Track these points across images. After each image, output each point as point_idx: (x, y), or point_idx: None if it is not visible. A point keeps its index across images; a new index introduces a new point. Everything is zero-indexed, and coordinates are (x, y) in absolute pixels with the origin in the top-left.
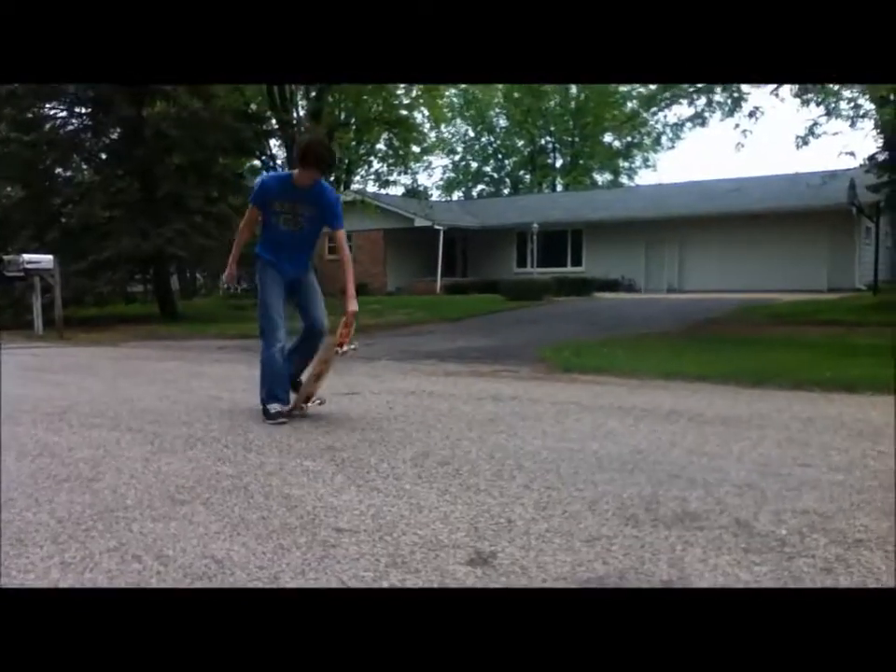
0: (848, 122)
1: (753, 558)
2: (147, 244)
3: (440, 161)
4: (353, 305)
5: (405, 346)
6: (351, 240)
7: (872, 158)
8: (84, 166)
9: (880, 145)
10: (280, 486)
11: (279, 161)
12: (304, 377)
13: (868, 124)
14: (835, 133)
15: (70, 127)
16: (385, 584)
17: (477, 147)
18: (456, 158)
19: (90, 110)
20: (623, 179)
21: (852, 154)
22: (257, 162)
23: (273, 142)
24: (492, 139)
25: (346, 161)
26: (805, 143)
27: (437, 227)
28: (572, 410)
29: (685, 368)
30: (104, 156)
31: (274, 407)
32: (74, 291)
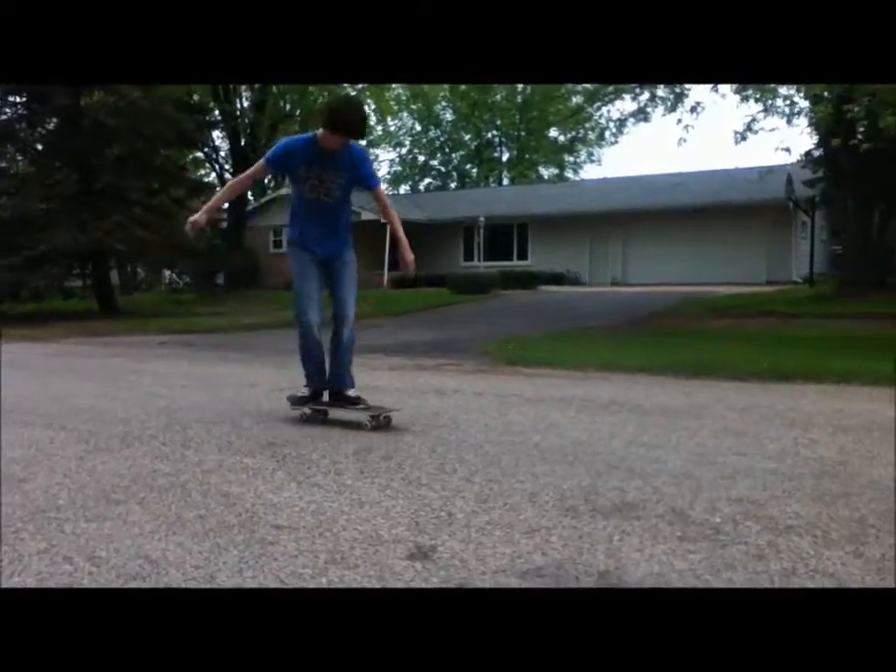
0: (785, 119)
1: (688, 546)
2: (85, 237)
3: (387, 155)
4: (410, 255)
5: None
6: None
7: (808, 154)
8: (19, 157)
9: (815, 141)
10: (218, 484)
11: (223, 153)
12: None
13: (803, 121)
14: (772, 130)
15: (3, 117)
16: (323, 581)
17: (424, 140)
18: (403, 151)
19: (24, 99)
20: (569, 173)
21: (788, 150)
22: (199, 154)
23: (217, 133)
24: (439, 133)
25: None
26: (744, 138)
27: (383, 220)
28: (515, 402)
29: (627, 360)
30: (40, 147)
31: (303, 390)
32: (9, 287)
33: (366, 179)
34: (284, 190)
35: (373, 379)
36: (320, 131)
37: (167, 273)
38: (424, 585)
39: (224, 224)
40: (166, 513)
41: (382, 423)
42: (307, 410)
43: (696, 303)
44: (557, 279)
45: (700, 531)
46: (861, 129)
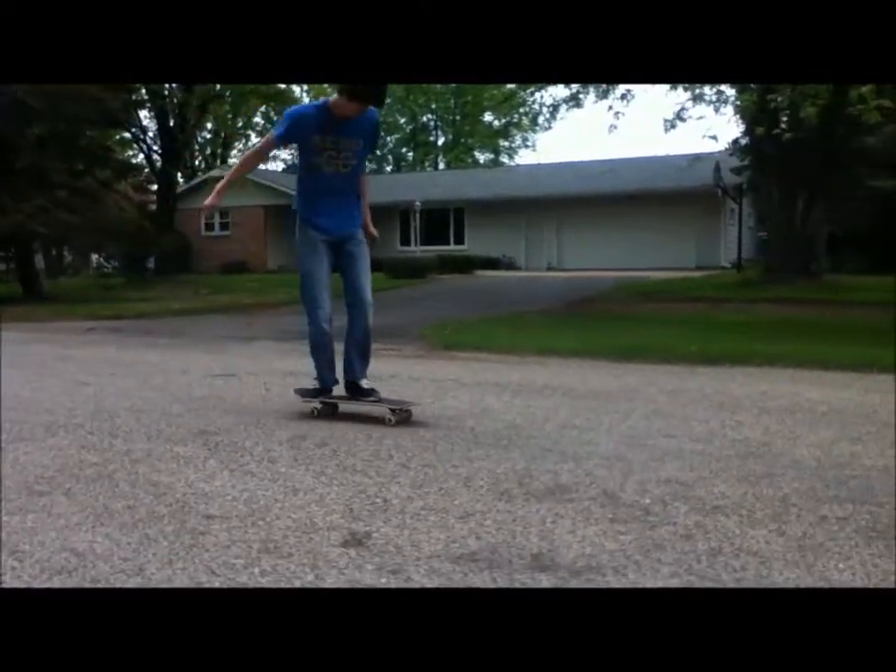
0: (712, 107)
1: (619, 528)
2: (6, 220)
3: None
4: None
5: (286, 326)
6: (229, 216)
7: (735, 142)
8: None
9: (742, 130)
10: (148, 473)
11: (151, 134)
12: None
13: (730, 110)
14: (700, 118)
15: None
16: (256, 571)
17: None
18: None
19: None
20: (504, 158)
21: (714, 138)
22: (126, 135)
23: (144, 113)
24: None
25: (222, 134)
26: (674, 126)
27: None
28: (451, 387)
29: (561, 344)
30: None
31: (312, 383)
32: None
33: (370, 146)
34: (215, 172)
35: (309, 365)
36: (333, 97)
37: (95, 256)
38: (357, 573)
39: (153, 206)
40: (93, 504)
41: (403, 417)
42: (318, 404)
43: (629, 288)
44: (493, 264)
45: (630, 512)
46: (785, 118)
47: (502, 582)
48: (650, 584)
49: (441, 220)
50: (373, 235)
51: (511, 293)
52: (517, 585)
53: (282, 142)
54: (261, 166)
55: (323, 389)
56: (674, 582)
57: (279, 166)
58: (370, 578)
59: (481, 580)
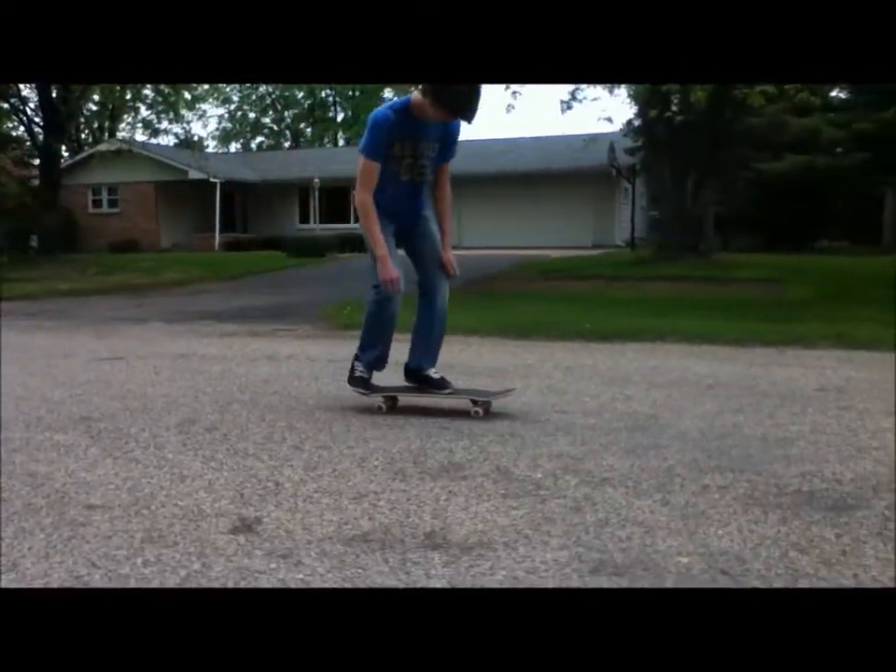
0: (607, 89)
1: (511, 503)
2: None
3: (215, 111)
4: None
5: (179, 307)
6: (118, 192)
7: (629, 123)
8: None
9: (635, 112)
10: (25, 463)
11: (31, 105)
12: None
13: (624, 92)
14: (595, 99)
15: None
16: (139, 561)
17: (254, 96)
18: (232, 107)
19: None
20: None
21: (609, 120)
22: (5, 105)
23: (24, 84)
24: (270, 89)
25: (110, 106)
26: (569, 107)
27: (213, 180)
28: (348, 367)
29: (460, 322)
30: None
31: (360, 368)
32: None
33: (447, 150)
34: (103, 146)
35: (202, 347)
36: (415, 95)
37: None
38: (246, 559)
39: (35, 181)
40: None
41: (486, 407)
42: (380, 398)
43: (528, 267)
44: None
45: (522, 487)
46: (675, 101)
47: (394, 563)
48: (538, 557)
49: (342, 198)
50: (451, 272)
51: (411, 272)
52: (409, 565)
53: (377, 156)
54: (153, 140)
55: (367, 374)
56: (563, 555)
57: (171, 140)
58: (258, 564)
59: (373, 560)
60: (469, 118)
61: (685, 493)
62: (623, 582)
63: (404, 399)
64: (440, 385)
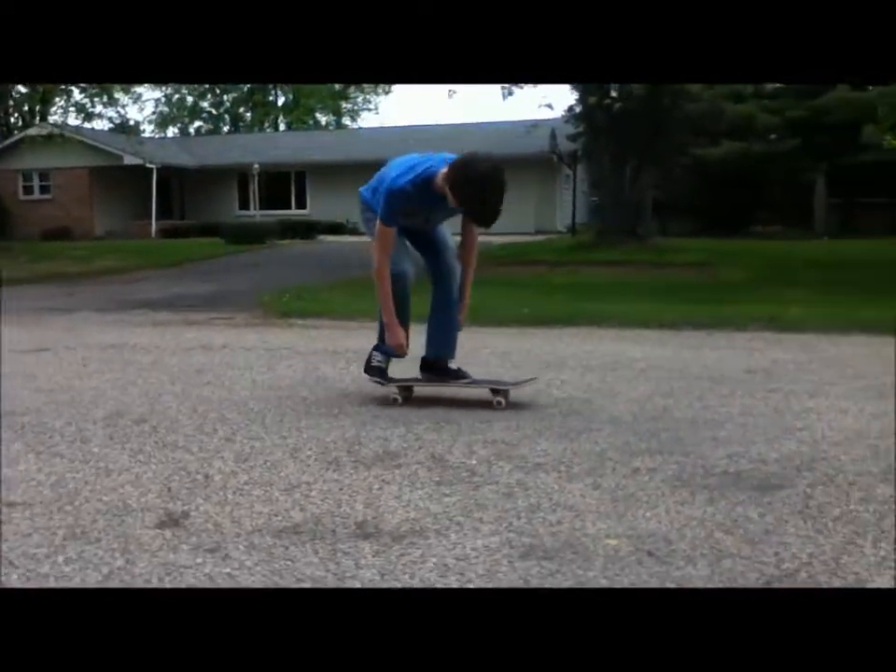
0: None
1: (444, 490)
2: None
3: (151, 94)
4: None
5: (112, 296)
6: (50, 178)
7: (570, 109)
8: None
9: (576, 98)
10: None
11: None
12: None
13: None
14: (535, 85)
15: None
16: (59, 559)
17: None
18: (169, 91)
19: None
20: (347, 121)
21: (550, 106)
22: None
23: None
24: None
25: (40, 89)
26: (511, 93)
27: (149, 165)
28: (285, 356)
29: None
30: None
31: (377, 358)
32: None
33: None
34: (33, 130)
35: (134, 337)
36: (439, 179)
37: None
38: (172, 554)
39: None
40: None
41: (506, 396)
42: (395, 388)
43: None
44: (338, 229)
45: (456, 474)
46: (615, 89)
47: (324, 554)
48: (469, 544)
49: (282, 184)
50: (461, 324)
51: (354, 259)
52: (339, 555)
53: (394, 223)
54: (87, 124)
55: (385, 364)
56: (493, 540)
57: (105, 125)
58: (184, 559)
59: (302, 552)
60: (487, 225)
61: (616, 476)
62: (552, 566)
63: (419, 391)
64: (458, 376)
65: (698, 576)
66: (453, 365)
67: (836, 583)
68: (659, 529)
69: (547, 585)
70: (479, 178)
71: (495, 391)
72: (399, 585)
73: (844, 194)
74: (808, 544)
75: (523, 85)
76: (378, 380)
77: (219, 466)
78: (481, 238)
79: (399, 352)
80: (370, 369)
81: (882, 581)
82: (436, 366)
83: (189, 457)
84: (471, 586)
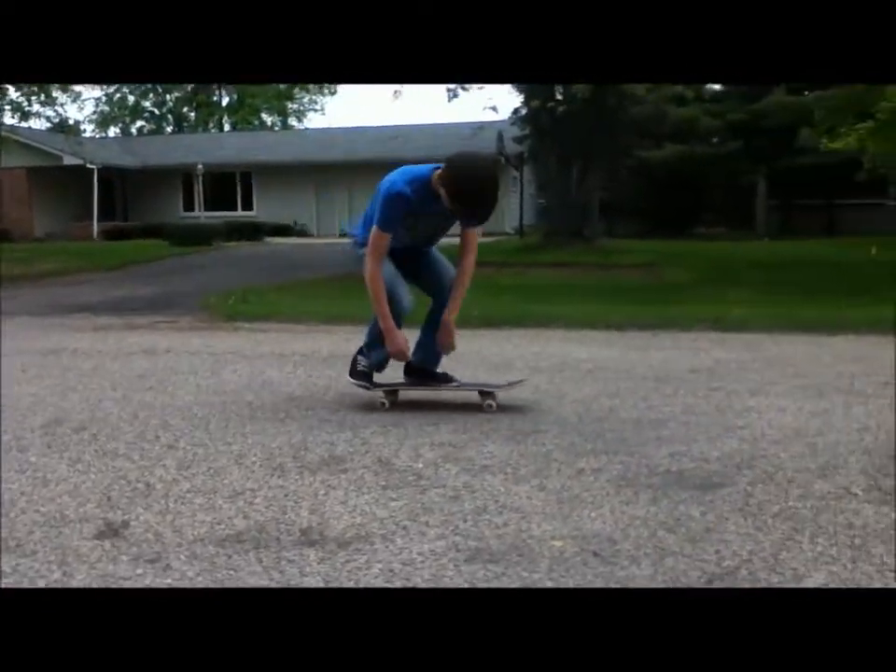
0: None
1: (391, 494)
2: None
3: (91, 93)
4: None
5: (53, 299)
6: None
7: (515, 112)
8: None
9: (522, 101)
10: None
11: None
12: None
13: None
14: (481, 87)
15: None
16: None
17: None
18: (111, 90)
19: None
20: (293, 121)
21: (495, 109)
22: None
23: None
24: None
25: None
26: (456, 95)
27: (90, 165)
28: (231, 360)
29: (350, 312)
30: None
31: (363, 363)
32: None
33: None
34: None
35: (74, 341)
36: (435, 178)
37: None
38: (111, 566)
39: None
40: None
41: (493, 398)
42: (381, 393)
43: None
44: (284, 230)
45: (403, 478)
46: (559, 91)
47: (268, 562)
48: (415, 549)
49: (228, 184)
50: (448, 346)
51: (301, 260)
52: (283, 563)
53: (391, 229)
54: (24, 123)
55: (372, 369)
56: (440, 544)
57: (43, 125)
58: (123, 570)
59: (245, 561)
60: (482, 221)
61: (561, 477)
62: (497, 570)
63: (403, 395)
64: (444, 379)
65: (642, 575)
66: (438, 369)
67: (775, 580)
68: (604, 529)
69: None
70: (473, 174)
71: (483, 394)
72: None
73: (783, 196)
74: (748, 541)
75: (469, 86)
76: (363, 384)
77: (161, 474)
78: None
79: (402, 358)
80: (355, 373)
81: (818, 577)
82: (421, 370)
83: (129, 465)
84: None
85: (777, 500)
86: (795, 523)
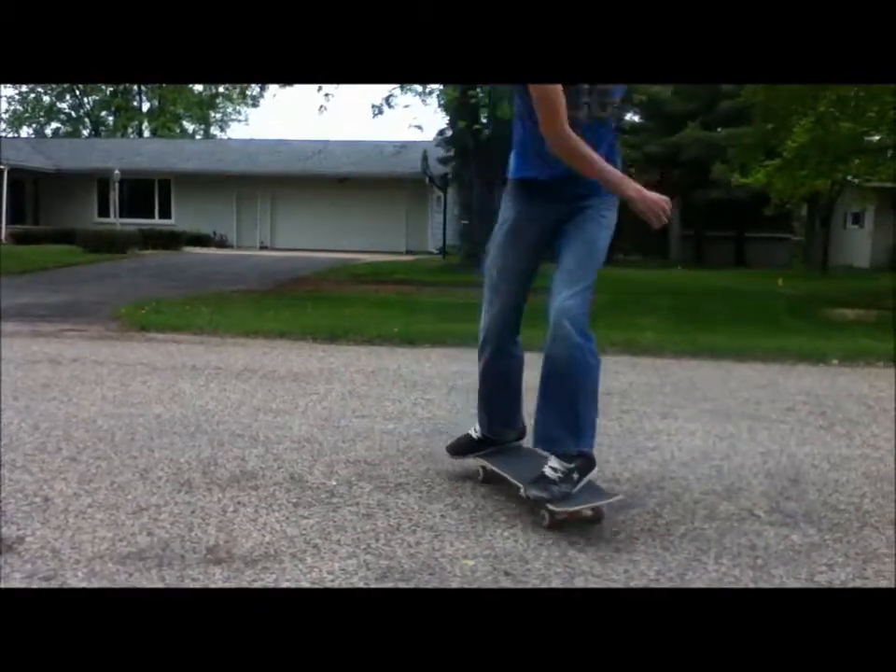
0: (418, 97)
1: (302, 512)
2: None
3: (3, 91)
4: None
5: None
6: None
7: (441, 133)
8: None
9: (447, 121)
10: None
11: None
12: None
13: (436, 101)
14: (406, 106)
15: None
16: None
17: None
18: (24, 89)
19: None
20: (215, 131)
21: (420, 128)
22: None
23: None
24: None
25: None
26: (381, 112)
27: (0, 166)
28: (140, 371)
29: (266, 325)
30: None
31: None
32: None
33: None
34: None
35: None
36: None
37: None
38: (4, 583)
39: None
40: None
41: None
42: (479, 467)
43: (340, 270)
44: (203, 240)
45: (315, 495)
46: (484, 114)
47: (170, 580)
48: (325, 567)
49: (146, 192)
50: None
51: (219, 271)
52: (188, 582)
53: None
54: None
55: (482, 439)
56: (350, 563)
57: None
58: (18, 586)
59: (147, 578)
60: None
61: (476, 496)
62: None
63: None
64: (556, 493)
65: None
66: (555, 472)
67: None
68: (515, 548)
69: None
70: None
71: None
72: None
73: (696, 227)
74: (656, 561)
75: (395, 104)
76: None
77: (61, 488)
78: (352, 256)
79: (661, 220)
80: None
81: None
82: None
83: (27, 478)
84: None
85: (683, 521)
86: (701, 543)
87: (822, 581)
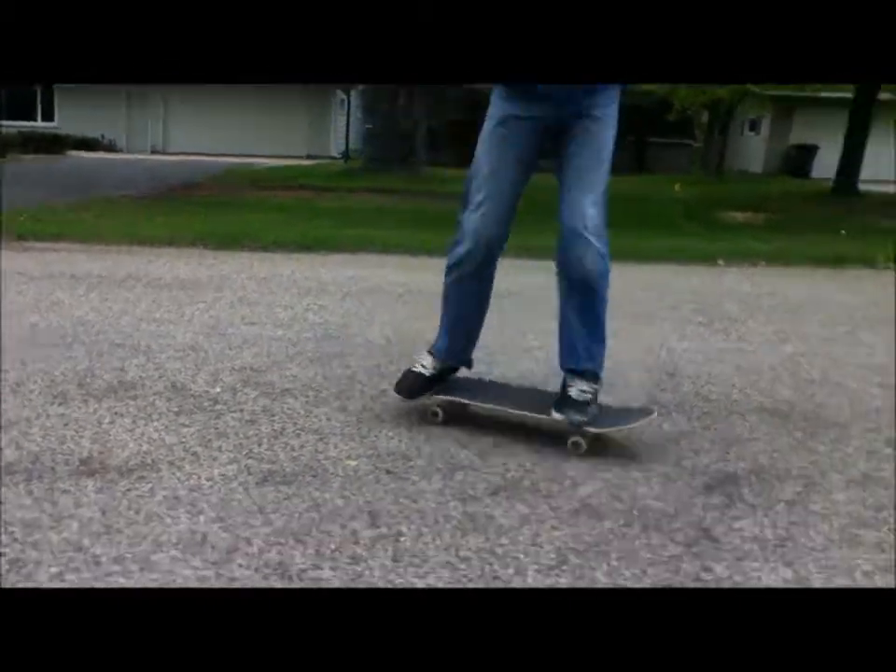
0: None
1: (183, 420)
2: None
3: None
4: None
5: None
6: None
7: None
8: None
9: None
10: None
11: None
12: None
13: None
14: None
15: None
16: None
17: None
18: None
19: None
20: None
21: None
22: None
23: None
24: None
25: None
26: None
27: None
28: (17, 281)
29: (155, 232)
30: None
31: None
32: None
33: None
34: None
35: None
36: None
37: None
38: None
39: None
40: None
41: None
42: (436, 405)
43: (236, 174)
44: (90, 144)
45: (197, 403)
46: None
47: (39, 493)
48: (204, 474)
49: (26, 92)
50: None
51: (107, 176)
52: (57, 494)
53: None
54: None
55: (441, 369)
56: (231, 468)
57: None
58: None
59: (14, 493)
60: None
61: (363, 399)
62: (289, 491)
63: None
64: (578, 415)
65: (431, 490)
66: (580, 393)
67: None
68: (399, 448)
69: (282, 510)
70: None
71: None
72: (123, 521)
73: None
74: (533, 455)
75: None
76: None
77: None
78: (249, 160)
79: None
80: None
81: (589, 488)
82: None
83: None
84: (212, 521)
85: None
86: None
87: (688, 465)
